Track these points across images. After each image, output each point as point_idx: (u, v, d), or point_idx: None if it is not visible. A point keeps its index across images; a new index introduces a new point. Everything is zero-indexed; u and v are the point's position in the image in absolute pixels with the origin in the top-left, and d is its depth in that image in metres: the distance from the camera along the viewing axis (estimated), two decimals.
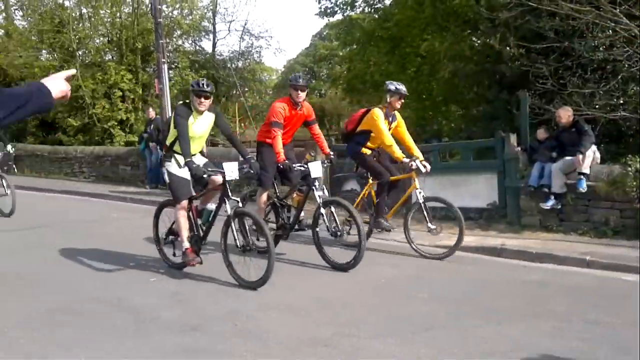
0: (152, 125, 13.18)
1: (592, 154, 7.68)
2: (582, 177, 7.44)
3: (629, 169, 7.15)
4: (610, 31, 8.78)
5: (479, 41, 12.88)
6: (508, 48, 10.91)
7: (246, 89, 23.05)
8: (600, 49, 9.10)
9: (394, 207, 7.12)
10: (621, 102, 9.12)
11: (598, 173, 7.58)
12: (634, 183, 7.01)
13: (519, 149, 8.44)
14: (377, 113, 6.60)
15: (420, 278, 5.71)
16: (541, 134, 8.38)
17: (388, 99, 6.75)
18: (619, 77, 8.96)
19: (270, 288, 5.30)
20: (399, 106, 6.82)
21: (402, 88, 6.83)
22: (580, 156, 7.41)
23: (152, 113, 13.61)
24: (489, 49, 11.77)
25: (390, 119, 6.81)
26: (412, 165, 6.64)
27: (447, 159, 14.64)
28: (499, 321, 4.36)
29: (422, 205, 6.63)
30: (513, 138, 8.55)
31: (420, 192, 6.68)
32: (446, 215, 7.38)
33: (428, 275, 5.84)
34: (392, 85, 6.80)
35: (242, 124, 22.87)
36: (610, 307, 4.63)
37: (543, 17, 9.43)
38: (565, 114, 7.94)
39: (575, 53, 9.54)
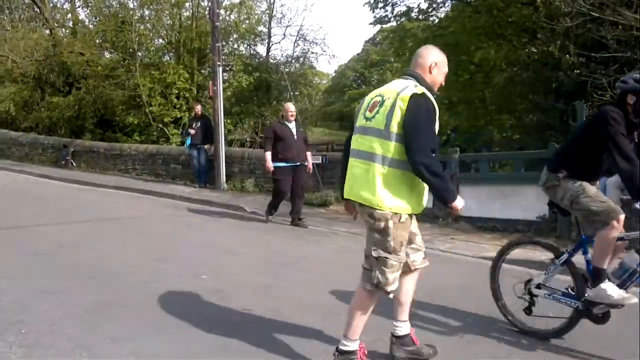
0: (198, 123, 13.38)
1: None
2: None
3: None
4: None
5: (536, 49, 12.59)
6: (567, 56, 10.64)
7: (296, 93, 23.28)
8: None
9: None
10: None
11: None
12: None
13: None
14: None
15: (463, 289, 5.63)
16: None
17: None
18: None
19: (310, 286, 5.35)
20: None
21: None
22: None
23: (199, 109, 13.83)
24: (547, 56, 11.53)
25: None
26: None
27: (496, 169, 14.39)
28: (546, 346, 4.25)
29: None
30: None
31: None
32: None
33: (471, 286, 5.74)
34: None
35: None
36: None
37: (605, 26, 9.15)
38: None
39: (637, 64, 9.20)
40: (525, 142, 12.17)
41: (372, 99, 3.31)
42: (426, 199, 3.42)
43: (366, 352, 3.49)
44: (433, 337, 4.12)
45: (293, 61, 24.26)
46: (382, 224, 3.18)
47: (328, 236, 8.18)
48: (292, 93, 20.16)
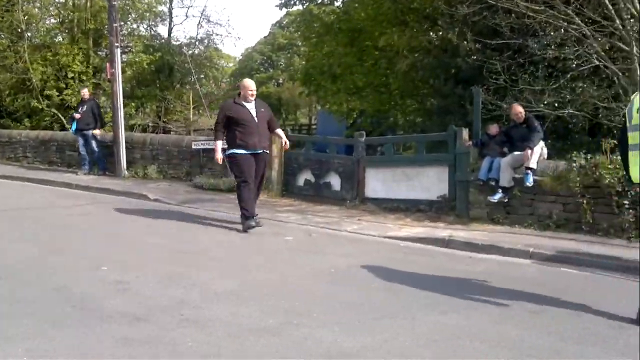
0: (84, 107, 12.69)
1: (540, 149, 7.90)
2: (529, 172, 7.65)
3: (574, 164, 7.39)
4: (562, 30, 9.03)
5: (436, 36, 13.05)
6: (465, 42, 11.11)
7: (202, 76, 22.69)
8: (552, 47, 9.35)
9: None
10: (569, 99, 9.40)
11: (544, 168, 7.80)
12: (578, 178, 7.25)
13: (470, 143, 8.61)
14: None
15: (371, 268, 5.74)
16: (493, 129, 8.56)
17: None
18: (568, 75, 9.24)
19: (219, 277, 5.26)
20: None
21: None
22: (529, 151, 7.63)
23: (85, 92, 13.15)
24: (447, 43, 11.97)
25: None
26: None
27: (400, 152, 14.84)
28: (445, 310, 4.44)
29: None
30: (465, 132, 8.72)
31: None
32: None
33: (375, 265, 5.88)
34: None
35: (198, 112, 22.56)
36: (551, 297, 4.78)
37: (499, 13, 9.62)
38: (519, 110, 8.14)
39: (528, 51, 9.78)
40: (427, 126, 12.62)
41: None
42: None
43: None
44: (340, 311, 4.19)
45: (197, 43, 23.60)
46: None
47: (237, 221, 8.07)
48: (196, 76, 19.62)
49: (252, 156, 7.43)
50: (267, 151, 7.87)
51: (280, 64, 45.86)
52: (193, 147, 12.06)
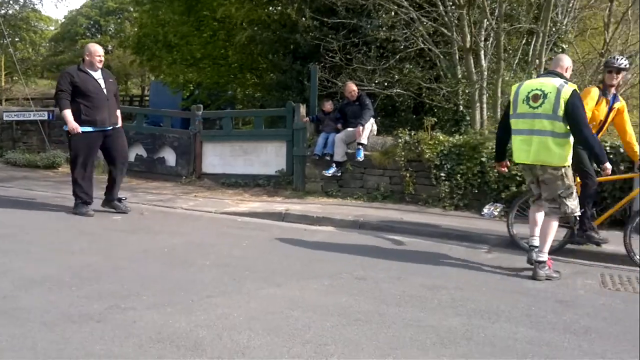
0: None
1: (370, 126, 8.34)
2: (360, 147, 8.06)
3: (399, 140, 7.92)
4: (393, 13, 9.53)
5: (275, 10, 13.03)
6: (303, 19, 11.24)
7: (17, 40, 20.27)
8: (383, 29, 9.85)
9: (605, 214, 5.71)
10: (397, 79, 10.01)
11: (374, 144, 8.27)
12: (403, 153, 7.80)
13: (308, 119, 8.80)
14: (593, 92, 5.50)
15: (205, 246, 5.62)
16: (327, 105, 8.83)
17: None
18: (397, 56, 9.82)
19: (35, 262, 4.76)
20: (614, 83, 5.53)
21: (617, 60, 5.53)
22: (360, 128, 8.01)
23: None
24: (286, 18, 12.02)
25: (611, 100, 5.58)
26: None
27: (239, 126, 14.74)
28: (279, 283, 4.49)
29: None
30: (303, 108, 8.89)
31: None
32: None
33: (211, 242, 5.79)
34: (621, 60, 5.54)
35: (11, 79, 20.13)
36: (377, 264, 5.10)
37: None
38: (353, 88, 8.47)
39: (362, 31, 10.20)
40: (266, 101, 12.64)
41: (529, 92, 4.72)
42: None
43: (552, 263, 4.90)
44: (172, 292, 4.04)
45: (11, 2, 20.95)
46: (561, 173, 4.70)
47: (57, 201, 7.37)
48: (9, 39, 17.43)
49: (99, 134, 6.64)
50: (119, 126, 6.94)
51: (110, 30, 42.64)
52: (5, 118, 10.77)
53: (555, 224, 4.85)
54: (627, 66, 5.63)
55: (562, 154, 4.69)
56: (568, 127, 4.64)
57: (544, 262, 4.78)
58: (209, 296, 4.13)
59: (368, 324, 3.67)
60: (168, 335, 3.40)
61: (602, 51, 11.12)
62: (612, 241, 5.50)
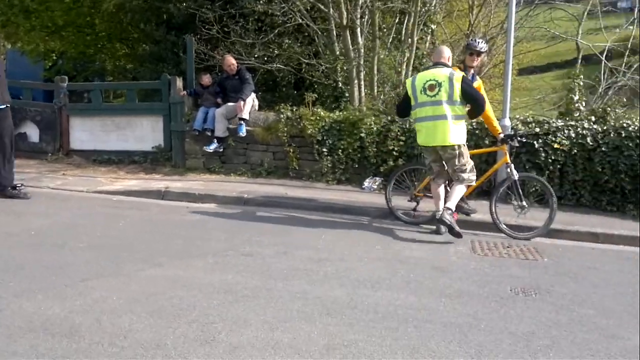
0: None
1: (251, 101, 8.22)
2: (242, 122, 7.93)
3: (282, 116, 7.90)
4: None
5: None
6: None
7: None
8: (260, 1, 9.69)
9: (472, 186, 5.86)
10: (277, 54, 9.95)
11: (256, 119, 8.18)
12: (285, 129, 7.80)
13: (185, 92, 8.47)
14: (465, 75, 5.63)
15: (76, 227, 5.25)
16: (205, 79, 8.55)
17: (466, 58, 5.83)
18: (276, 30, 9.73)
19: None
20: (474, 64, 5.89)
21: (478, 44, 5.84)
22: (241, 103, 7.87)
23: None
24: None
25: (471, 80, 5.81)
26: (502, 137, 5.83)
27: (111, 100, 13.87)
28: (161, 263, 4.32)
29: (516, 182, 5.62)
30: (179, 81, 8.54)
31: (512, 168, 5.65)
32: None
33: (83, 222, 5.42)
34: (475, 43, 5.86)
35: None
36: (263, 240, 5.08)
37: None
38: (232, 62, 8.25)
39: (239, 3, 9.96)
40: (139, 73, 11.94)
41: (424, 83, 5.30)
42: None
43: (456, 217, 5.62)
44: (43, 277, 3.72)
45: None
46: (459, 151, 5.34)
47: None
48: None
49: None
50: (9, 105, 6.56)
51: None
52: None
53: (460, 187, 5.45)
54: (486, 49, 6.07)
55: (460, 135, 5.33)
56: (464, 110, 5.32)
57: (451, 210, 5.34)
58: (84, 280, 3.87)
59: (255, 300, 3.65)
60: (41, 323, 3.14)
61: (468, 32, 11.88)
62: (480, 210, 5.96)
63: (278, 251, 4.76)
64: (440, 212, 5.38)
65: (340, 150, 7.58)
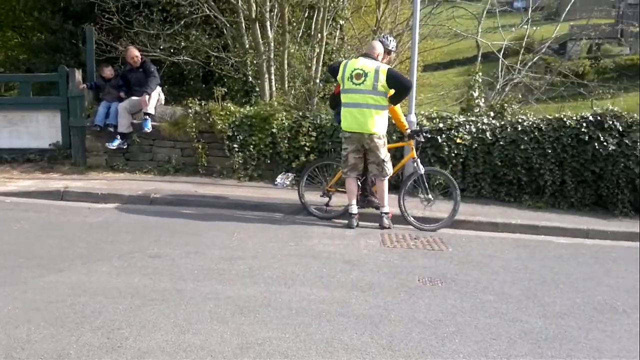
0: None
1: (157, 95, 7.93)
2: (147, 117, 7.63)
3: (190, 110, 7.68)
4: None
5: None
6: None
7: None
8: None
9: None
10: (183, 46, 9.66)
11: (162, 114, 7.90)
12: (194, 124, 7.59)
13: (85, 86, 8.01)
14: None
15: None
16: (107, 71, 8.12)
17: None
18: (182, 22, 9.43)
19: None
20: (384, 62, 5.91)
21: (390, 42, 5.99)
22: (146, 97, 7.56)
23: None
24: None
25: None
26: (409, 132, 6.04)
27: (2, 93, 12.89)
28: (62, 268, 4.07)
29: (422, 176, 5.87)
30: (78, 74, 8.07)
31: (419, 162, 5.89)
32: None
33: None
34: (386, 40, 5.97)
35: None
36: (172, 240, 4.92)
37: None
38: (135, 54, 7.89)
39: None
40: (34, 64, 11.16)
41: (352, 71, 5.50)
42: None
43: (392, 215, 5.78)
44: None
45: None
46: (382, 141, 5.59)
47: None
48: None
49: None
50: None
51: None
52: None
53: (385, 183, 5.71)
54: (395, 47, 6.24)
55: (382, 124, 5.58)
56: (386, 101, 5.53)
57: (387, 213, 5.71)
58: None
59: (165, 303, 3.54)
60: None
61: (375, 28, 12.10)
62: (389, 203, 6.11)
63: (188, 251, 4.64)
64: (353, 207, 5.63)
65: (251, 146, 7.49)
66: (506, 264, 4.76)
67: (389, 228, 5.66)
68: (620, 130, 6.59)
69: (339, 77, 5.66)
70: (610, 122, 6.61)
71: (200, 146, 7.62)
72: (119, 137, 7.61)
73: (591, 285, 4.30)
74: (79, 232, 5.13)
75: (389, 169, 5.68)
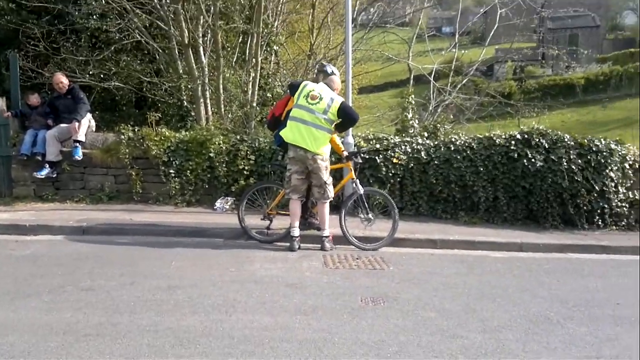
0: None
1: (87, 121, 7.67)
2: (77, 144, 7.36)
3: (123, 137, 7.47)
4: (103, 1, 8.88)
5: None
6: None
7: None
8: (94, 17, 9.13)
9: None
10: (114, 72, 9.43)
11: (94, 141, 7.64)
12: (127, 150, 7.38)
13: (10, 114, 7.65)
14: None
15: None
16: (33, 99, 7.80)
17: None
18: (112, 47, 9.22)
19: None
20: None
21: (331, 72, 6.07)
22: (76, 124, 7.31)
23: None
24: None
25: None
26: (347, 154, 6.12)
27: None
28: None
29: (362, 196, 5.96)
30: (2, 101, 7.72)
31: (357, 183, 5.98)
32: None
33: None
34: (329, 67, 6.11)
35: None
36: (106, 271, 4.71)
37: None
38: (61, 80, 7.62)
39: (70, 18, 9.31)
40: None
41: (310, 91, 5.65)
42: None
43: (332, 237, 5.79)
44: None
45: None
46: (325, 164, 5.65)
47: None
48: None
49: None
50: None
51: None
52: None
53: (326, 206, 5.76)
54: (336, 74, 6.27)
55: (326, 146, 5.67)
56: (332, 127, 5.68)
57: (328, 237, 5.74)
58: None
59: (100, 337, 3.38)
60: None
61: (309, 53, 12.27)
62: (330, 224, 6.11)
63: (123, 282, 4.46)
64: (295, 229, 5.65)
65: (188, 171, 7.35)
66: (445, 280, 4.86)
67: (330, 250, 5.66)
68: (547, 147, 6.93)
69: (296, 93, 5.72)
70: (537, 140, 6.95)
71: (134, 173, 7.41)
72: (47, 165, 7.29)
73: (527, 298, 4.45)
74: (5, 266, 4.84)
75: (331, 191, 5.71)
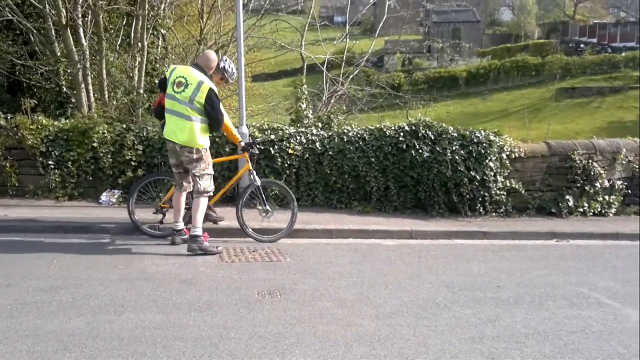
0: None
1: None
2: None
3: None
4: None
5: None
6: None
7: None
8: None
9: (219, 193, 5.89)
10: None
11: None
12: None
13: None
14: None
15: None
16: None
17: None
18: None
19: None
20: (221, 84, 5.80)
21: (233, 74, 5.76)
22: None
23: None
24: None
25: None
26: (243, 145, 5.87)
27: None
28: None
29: (259, 188, 5.78)
30: None
31: (254, 174, 5.78)
32: None
33: None
34: (230, 66, 5.62)
35: None
36: None
37: None
38: None
39: None
40: None
41: (175, 78, 5.23)
42: None
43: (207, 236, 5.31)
44: None
45: None
46: (197, 156, 5.26)
47: None
48: None
49: None
50: None
51: None
52: None
53: (201, 201, 5.30)
54: (231, 74, 6.00)
55: (196, 137, 5.19)
56: (203, 115, 5.20)
57: (198, 236, 5.19)
58: None
59: None
60: None
61: (200, 39, 11.87)
62: (227, 217, 6.01)
63: (1, 284, 4.08)
64: (178, 224, 5.42)
65: (69, 162, 6.86)
66: (341, 269, 4.95)
67: (180, 244, 5.35)
68: (432, 138, 7.26)
69: (169, 81, 5.30)
70: (424, 131, 7.25)
71: (8, 164, 6.80)
72: None
73: (416, 284, 4.66)
74: None
75: (204, 185, 5.28)
